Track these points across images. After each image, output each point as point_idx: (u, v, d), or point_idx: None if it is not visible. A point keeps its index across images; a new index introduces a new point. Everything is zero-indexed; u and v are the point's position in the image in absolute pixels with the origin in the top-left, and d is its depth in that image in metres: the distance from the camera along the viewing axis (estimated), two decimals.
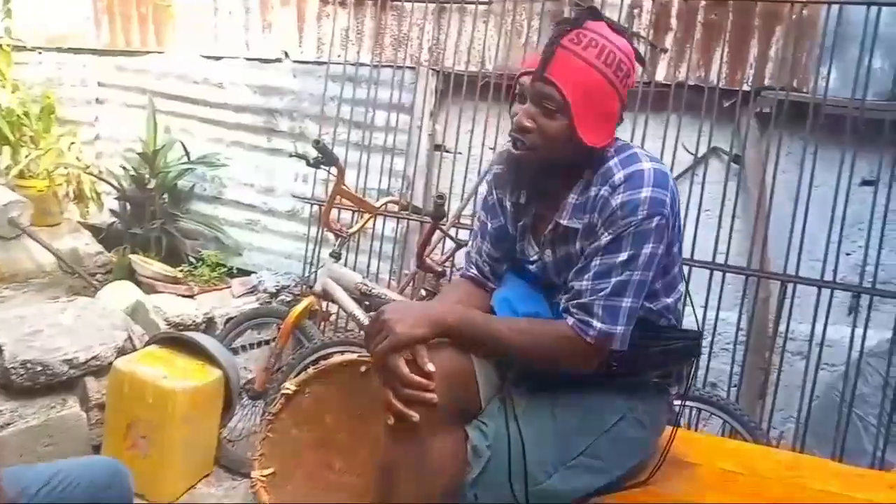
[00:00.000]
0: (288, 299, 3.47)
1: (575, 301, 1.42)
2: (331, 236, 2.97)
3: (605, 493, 1.51)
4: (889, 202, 2.71)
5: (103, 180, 3.94)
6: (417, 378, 1.34)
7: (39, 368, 2.54)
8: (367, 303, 2.82)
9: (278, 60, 3.84)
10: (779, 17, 2.94)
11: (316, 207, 3.50)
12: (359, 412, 2.39)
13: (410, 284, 3.21)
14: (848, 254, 2.87)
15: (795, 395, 2.86)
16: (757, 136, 3.02)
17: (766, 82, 3.00)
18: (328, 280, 2.78)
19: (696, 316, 1.65)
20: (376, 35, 3.55)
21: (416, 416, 1.33)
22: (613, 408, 1.50)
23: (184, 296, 3.47)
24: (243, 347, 3.22)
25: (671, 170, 1.50)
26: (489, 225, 1.64)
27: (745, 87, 2.99)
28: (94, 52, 4.30)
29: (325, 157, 2.62)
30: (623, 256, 1.37)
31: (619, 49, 1.38)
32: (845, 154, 2.76)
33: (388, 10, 3.53)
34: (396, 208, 3.29)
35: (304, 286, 3.51)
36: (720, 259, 2.92)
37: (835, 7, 2.78)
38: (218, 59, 4.01)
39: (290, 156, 2.87)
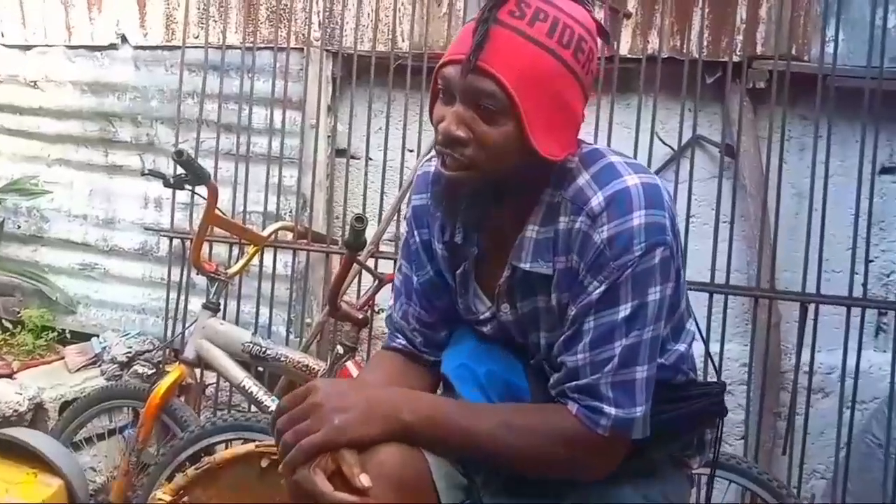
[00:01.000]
0: (147, 371, 3.38)
1: (573, 383, 1.37)
2: (203, 280, 2.94)
3: None
4: None
5: None
6: (346, 498, 1.26)
7: None
8: (259, 368, 2.84)
9: (113, 47, 3.78)
10: None
11: (178, 242, 3.50)
12: None
13: (318, 338, 3.19)
14: (871, 260, 2.92)
15: (819, 444, 2.91)
16: (751, 118, 3.08)
17: (759, 50, 3.06)
18: (203, 342, 2.75)
19: (711, 360, 1.64)
20: (248, 7, 3.52)
21: None
22: (623, 500, 1.45)
23: None
24: (89, 440, 3.13)
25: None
26: (414, 279, 1.61)
27: (735, 58, 3.04)
28: None
29: (190, 174, 2.58)
30: (625, 311, 1.34)
31: (575, 21, 1.34)
32: (865, 135, 2.84)
33: None
34: (291, 237, 3.28)
35: (169, 352, 3.47)
36: (719, 279, 2.94)
37: None
38: (27, 48, 3.91)
39: (143, 174, 2.85)
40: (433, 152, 1.47)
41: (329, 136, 3.49)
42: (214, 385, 3.36)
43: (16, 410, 3.10)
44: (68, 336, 3.76)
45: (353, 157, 3.48)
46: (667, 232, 1.35)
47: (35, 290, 3.81)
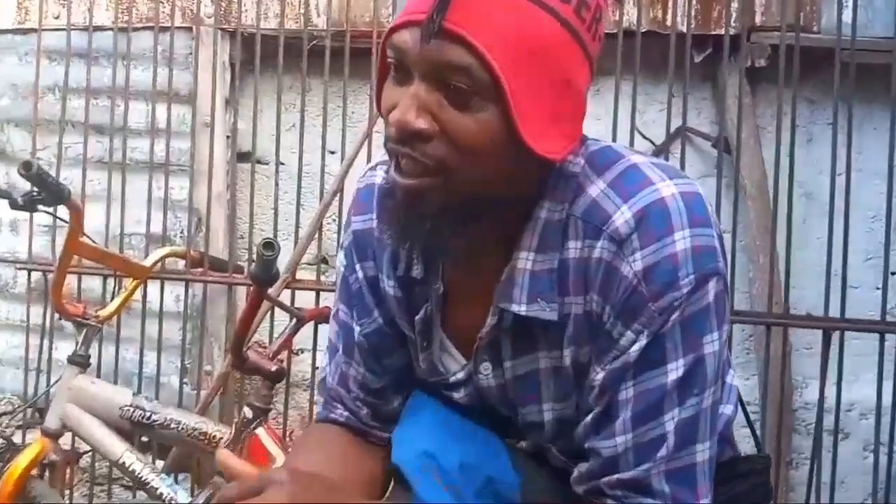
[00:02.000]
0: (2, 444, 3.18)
1: (614, 477, 1.24)
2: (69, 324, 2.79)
3: None
4: None
5: None
6: None
7: None
8: (144, 438, 2.74)
9: None
10: None
11: (39, 275, 3.37)
12: None
13: (220, 393, 3.04)
14: (894, 273, 2.88)
15: (843, 494, 2.89)
16: (749, 104, 3.00)
17: (759, 20, 3.02)
18: (70, 407, 2.55)
19: (753, 434, 1.56)
20: None
21: None
22: None
23: None
24: None
25: None
26: (356, 330, 1.48)
27: (730, 31, 2.98)
28: None
29: (44, 192, 2.40)
30: (676, 372, 1.21)
31: None
32: (894, 121, 2.77)
33: None
34: (182, 265, 3.17)
35: (33, 413, 3.32)
36: None
37: None
38: None
39: None
40: (378, 159, 1.44)
41: (228, 137, 3.39)
42: (91, 460, 3.18)
43: None
44: None
45: (259, 162, 3.42)
46: (718, 257, 1.23)
47: None
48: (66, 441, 2.77)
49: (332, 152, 3.19)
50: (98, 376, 2.82)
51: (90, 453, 3.18)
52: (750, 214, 3.02)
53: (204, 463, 3.00)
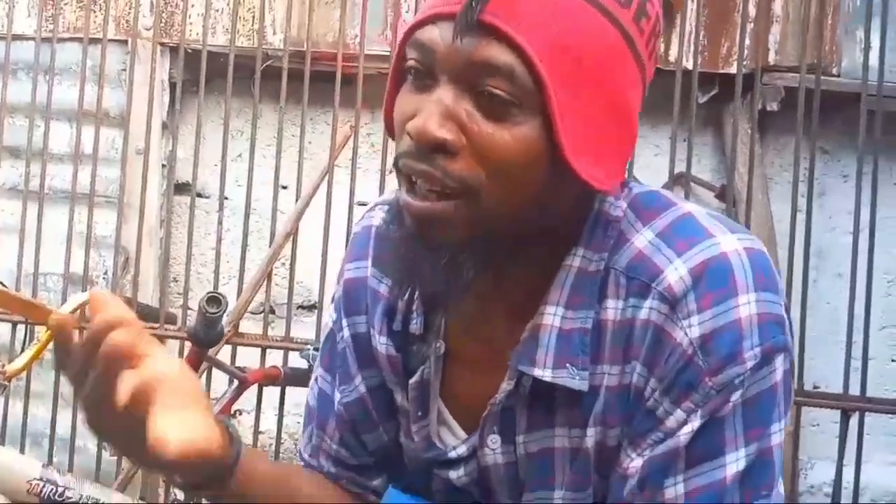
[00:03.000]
0: None
1: None
2: None
3: None
4: None
5: None
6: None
7: None
8: None
9: None
10: None
11: None
12: None
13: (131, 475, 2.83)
14: None
15: None
16: (758, 153, 2.90)
17: (772, 59, 2.96)
18: None
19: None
20: None
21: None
22: None
23: None
24: None
25: None
26: (336, 397, 1.40)
27: (742, 69, 2.90)
28: None
29: None
30: (737, 464, 1.11)
31: None
32: None
33: None
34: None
35: None
36: None
37: None
38: None
39: None
40: (378, 199, 1.39)
41: (164, 166, 3.34)
42: None
43: None
44: None
45: (199, 196, 3.32)
46: (787, 328, 1.13)
47: None
48: None
49: (285, 187, 3.07)
50: (2, 438, 2.81)
51: None
52: None
53: None
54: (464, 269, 1.15)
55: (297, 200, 3.01)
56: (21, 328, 3.07)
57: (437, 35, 1.07)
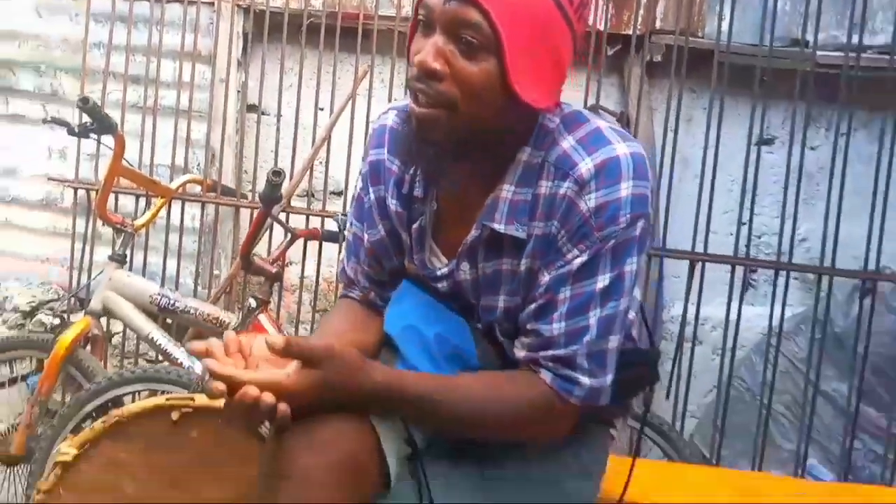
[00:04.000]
0: (51, 322, 3.15)
1: (549, 352, 1.28)
2: (108, 231, 2.77)
3: None
4: (792, 164, 2.82)
5: None
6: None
7: None
8: (168, 320, 2.71)
9: None
10: None
11: (82, 192, 3.27)
12: (173, 475, 2.07)
13: (227, 291, 3.02)
14: (743, 223, 2.90)
15: (694, 386, 2.99)
16: (647, 90, 3.03)
17: (658, 25, 3.01)
18: (110, 294, 2.58)
19: (648, 332, 1.54)
20: None
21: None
22: (555, 462, 1.38)
23: None
24: None
25: None
26: (365, 237, 1.48)
27: (637, 31, 2.99)
28: None
29: (97, 122, 2.41)
30: (602, 282, 1.25)
31: None
32: (754, 110, 2.84)
33: None
34: (199, 190, 3.11)
35: (75, 302, 3.24)
36: None
37: None
38: None
39: (45, 122, 2.68)
40: (389, 104, 1.45)
41: (239, 92, 3.32)
42: (121, 335, 3.14)
43: None
44: None
45: (263, 114, 3.30)
46: (649, 204, 1.27)
47: None
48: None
49: (322, 109, 3.15)
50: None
51: (120, 333, 3.17)
52: None
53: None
54: (446, 157, 1.27)
55: (329, 117, 3.07)
56: (142, 200, 3.15)
57: (435, 0, 1.19)
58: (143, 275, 3.03)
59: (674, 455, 2.46)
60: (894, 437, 2.67)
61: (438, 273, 1.40)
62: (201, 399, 2.01)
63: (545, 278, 1.27)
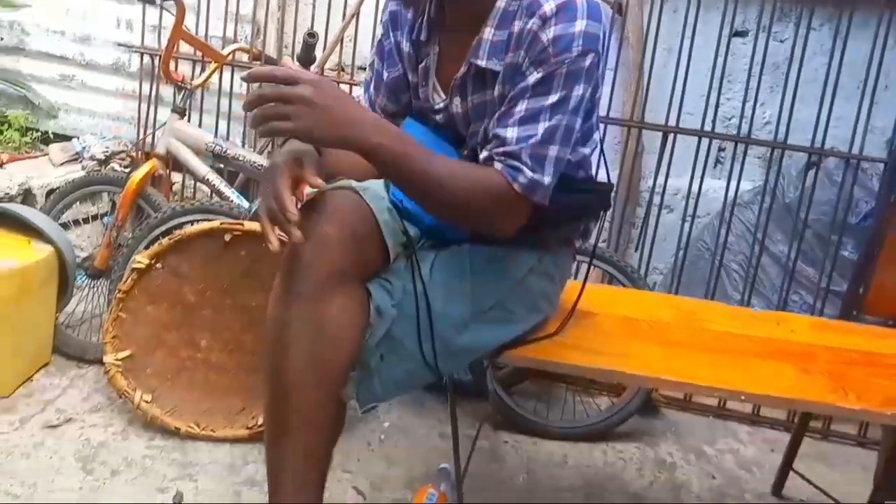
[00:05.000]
0: (123, 170, 3.31)
1: (501, 149, 1.40)
2: (168, 93, 2.93)
3: (514, 347, 1.61)
4: (756, 54, 2.94)
5: None
6: (289, 208, 1.26)
7: None
8: (220, 166, 2.87)
9: None
10: None
11: (147, 58, 3.39)
12: (224, 285, 2.43)
13: (269, 146, 3.19)
14: (717, 106, 3.04)
15: (661, 248, 3.21)
16: None
17: None
18: (172, 140, 2.76)
19: (606, 170, 1.66)
20: None
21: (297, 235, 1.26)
22: (522, 260, 1.56)
23: None
24: (75, 222, 3.12)
25: None
26: (385, 74, 1.60)
27: None
28: None
29: None
30: (552, 98, 1.37)
31: None
32: (727, 4, 2.95)
33: None
34: (246, 58, 3.18)
35: (141, 152, 3.39)
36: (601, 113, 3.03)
37: None
38: None
39: None
40: None
41: None
42: (180, 183, 3.39)
43: (7, 193, 3.08)
44: (51, 136, 3.68)
45: None
46: (599, 42, 1.37)
47: (19, 97, 3.70)
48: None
49: None
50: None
51: (180, 182, 3.36)
52: (629, 55, 3.12)
53: (260, 187, 3.08)
54: (441, 9, 1.45)
55: None
56: (197, 66, 3.26)
57: None
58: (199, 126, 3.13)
59: None
60: (823, 290, 2.93)
61: (437, 107, 1.53)
62: (249, 225, 2.35)
63: (511, 94, 1.39)
